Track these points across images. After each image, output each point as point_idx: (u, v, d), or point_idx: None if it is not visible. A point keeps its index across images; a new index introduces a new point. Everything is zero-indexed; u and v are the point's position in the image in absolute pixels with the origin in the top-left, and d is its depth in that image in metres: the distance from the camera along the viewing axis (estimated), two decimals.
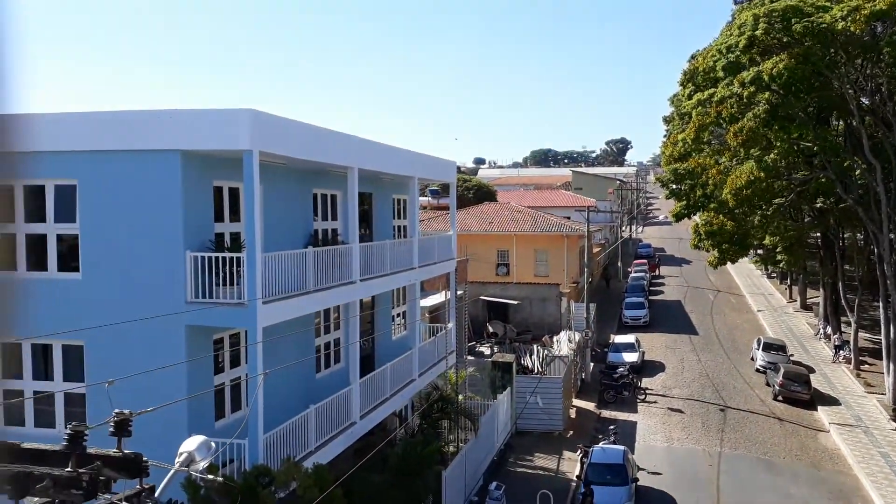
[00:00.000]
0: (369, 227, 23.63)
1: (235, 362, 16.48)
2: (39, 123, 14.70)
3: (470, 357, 34.71)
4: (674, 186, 42.24)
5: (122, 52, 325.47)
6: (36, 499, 4.18)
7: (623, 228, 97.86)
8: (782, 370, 37.04)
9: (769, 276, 71.03)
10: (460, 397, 27.59)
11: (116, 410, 3.83)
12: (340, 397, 18.32)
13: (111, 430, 3.79)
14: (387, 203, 25.14)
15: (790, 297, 60.99)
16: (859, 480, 27.42)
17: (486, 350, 41.02)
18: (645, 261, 75.11)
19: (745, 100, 30.77)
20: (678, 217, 42.07)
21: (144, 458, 4.02)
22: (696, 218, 42.24)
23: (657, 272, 74.39)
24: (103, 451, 3.68)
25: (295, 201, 18.91)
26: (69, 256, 14.93)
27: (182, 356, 13.85)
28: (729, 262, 42.92)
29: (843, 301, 42.96)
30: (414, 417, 25.43)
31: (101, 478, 3.54)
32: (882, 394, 36.39)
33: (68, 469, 3.54)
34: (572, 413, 34.13)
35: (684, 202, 40.48)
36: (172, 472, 5.67)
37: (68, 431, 3.59)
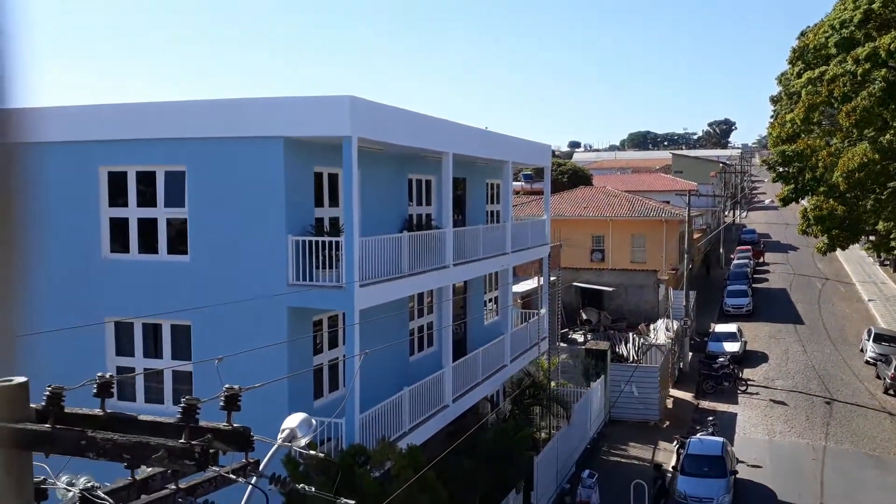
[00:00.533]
0: (462, 212, 23.73)
1: (333, 344, 16.93)
2: (151, 111, 15.45)
3: (562, 344, 34.42)
4: (781, 169, 40.49)
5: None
6: (149, 469, 4.44)
7: (726, 213, 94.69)
8: (894, 362, 35.16)
9: (882, 264, 67.31)
10: (552, 384, 27.45)
11: (227, 385, 4.02)
12: (433, 380, 18.55)
13: (221, 404, 3.98)
14: (480, 188, 25.17)
15: None
16: None
17: (579, 337, 40.60)
18: (749, 247, 72.45)
19: (859, 77, 29.16)
20: (785, 201, 40.37)
21: (251, 433, 4.19)
22: (805, 202, 40.47)
23: (761, 259, 71.70)
24: (214, 425, 3.87)
25: (391, 186, 19.20)
26: (178, 240, 15.65)
27: (283, 337, 14.34)
28: (839, 249, 40.94)
29: None
30: (505, 403, 25.49)
31: (212, 450, 3.73)
32: None
33: (182, 440, 3.74)
34: (669, 403, 33.45)
35: (792, 186, 38.79)
36: (276, 446, 5.91)
37: (182, 405, 3.79)
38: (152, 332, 15.90)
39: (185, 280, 15.26)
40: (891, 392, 34.60)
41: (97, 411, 4.04)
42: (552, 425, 25.56)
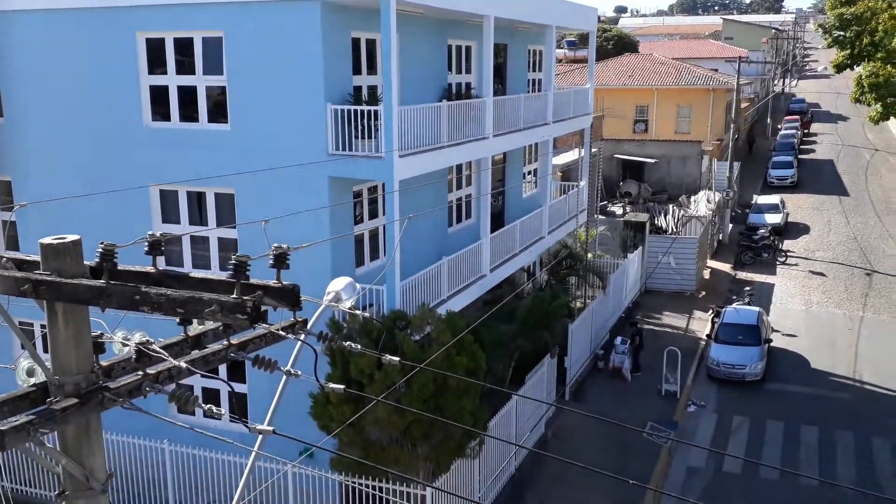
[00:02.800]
0: (503, 81, 23.18)
1: (373, 215, 17.09)
2: None
3: (601, 216, 34.33)
4: (837, 33, 38.53)
5: None
6: (201, 326, 4.63)
7: (775, 82, 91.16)
8: None
9: None
10: (590, 255, 27.61)
11: (275, 244, 4.11)
12: (471, 251, 18.76)
13: (270, 262, 4.09)
14: (521, 55, 24.43)
15: None
16: None
17: (618, 210, 40.38)
18: (797, 117, 70.14)
19: None
20: (839, 68, 38.71)
21: (300, 290, 4.32)
22: (860, 69, 38.73)
23: (809, 129, 69.57)
24: (264, 282, 3.99)
25: (430, 53, 18.72)
26: (218, 108, 15.61)
27: (324, 204, 14.48)
28: (892, 118, 39.48)
29: None
30: (542, 273, 25.78)
31: (263, 306, 3.86)
32: None
33: (234, 296, 3.88)
34: (706, 274, 33.54)
35: (848, 51, 37.04)
36: (322, 307, 6.10)
37: (233, 262, 3.89)
38: (196, 201, 16.18)
39: (227, 148, 15.32)
40: None
41: (149, 268, 4.18)
42: (588, 295, 25.91)
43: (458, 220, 21.02)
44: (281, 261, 4.08)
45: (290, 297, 3.97)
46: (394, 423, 12.80)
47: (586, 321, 23.55)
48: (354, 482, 13.49)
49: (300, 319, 4.71)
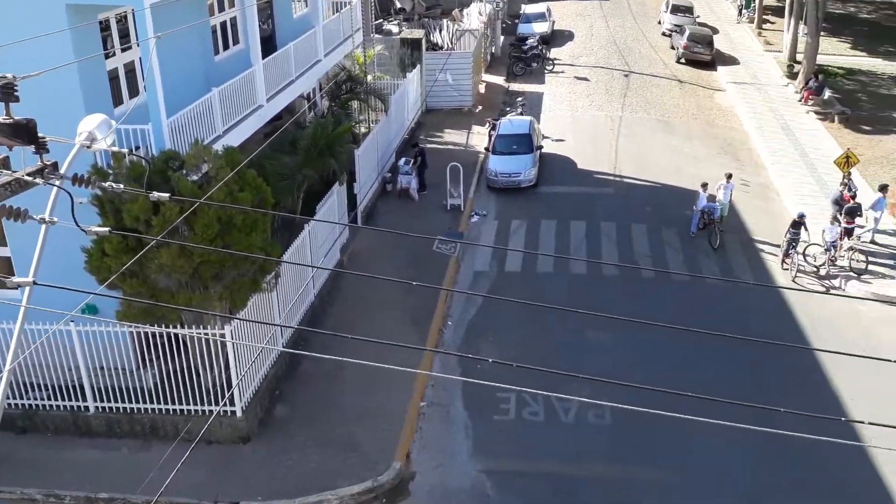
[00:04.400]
0: None
1: (127, 50, 15.47)
2: None
3: (377, 35, 33.57)
4: None
5: None
6: None
7: None
8: (687, 32, 37.60)
9: None
10: (369, 77, 27.20)
11: None
12: (244, 80, 17.74)
13: None
14: None
15: None
16: (748, 135, 29.54)
17: (394, 28, 39.60)
18: None
19: None
20: None
21: (39, 132, 3.85)
22: None
23: None
24: None
25: None
26: None
27: (66, 38, 12.83)
28: None
29: None
30: (321, 96, 25.15)
31: None
32: (779, 51, 37.92)
33: None
34: (482, 88, 34.40)
35: None
36: (76, 149, 5.51)
37: None
38: None
39: None
40: (682, 61, 37.40)
41: None
42: (371, 119, 25.78)
43: (226, 46, 19.63)
44: (7, 92, 3.56)
45: (24, 132, 3.52)
46: (180, 268, 12.38)
47: (371, 145, 23.58)
48: (145, 329, 13.12)
49: (50, 162, 4.25)
